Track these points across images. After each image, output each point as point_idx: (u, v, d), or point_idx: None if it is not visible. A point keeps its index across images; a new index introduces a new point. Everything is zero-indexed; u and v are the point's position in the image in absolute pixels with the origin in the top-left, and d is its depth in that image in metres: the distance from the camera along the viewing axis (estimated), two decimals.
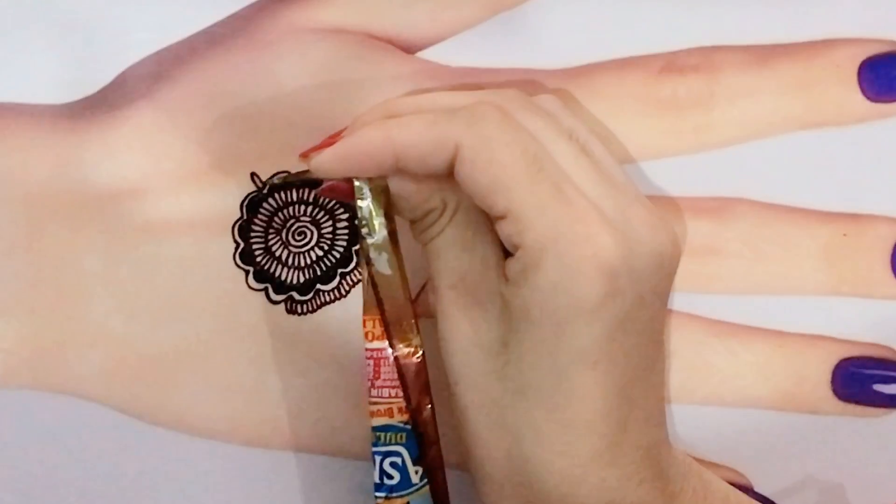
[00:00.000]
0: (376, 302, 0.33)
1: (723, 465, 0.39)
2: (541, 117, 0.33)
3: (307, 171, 0.33)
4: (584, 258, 0.31)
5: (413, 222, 0.34)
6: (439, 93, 0.34)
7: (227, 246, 0.38)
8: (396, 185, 0.33)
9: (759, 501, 0.39)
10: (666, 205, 0.38)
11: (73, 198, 0.37)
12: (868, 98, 0.38)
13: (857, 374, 0.39)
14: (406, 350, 0.34)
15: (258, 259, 0.38)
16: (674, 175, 0.38)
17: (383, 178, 0.33)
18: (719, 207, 0.39)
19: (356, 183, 0.33)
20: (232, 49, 0.38)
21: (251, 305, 0.38)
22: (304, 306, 0.38)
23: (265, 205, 0.38)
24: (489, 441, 0.33)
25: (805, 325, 0.39)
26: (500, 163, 0.31)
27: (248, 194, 0.38)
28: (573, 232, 0.31)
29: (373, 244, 0.33)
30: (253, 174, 0.38)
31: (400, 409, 0.33)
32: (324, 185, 0.34)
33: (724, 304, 0.39)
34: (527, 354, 0.32)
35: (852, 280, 0.39)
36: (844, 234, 0.39)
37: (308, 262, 0.38)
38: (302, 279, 0.38)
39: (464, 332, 0.33)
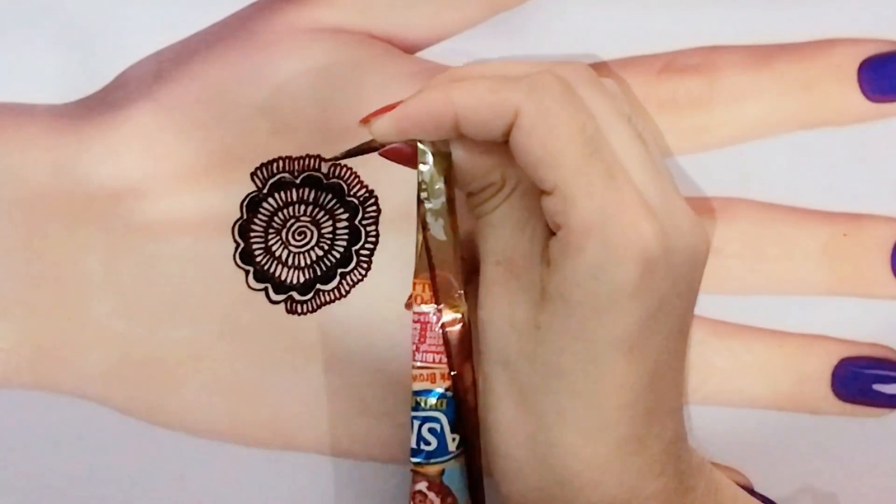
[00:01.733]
0: (428, 266, 0.33)
1: (723, 464, 0.39)
2: (604, 96, 0.32)
3: (366, 143, 0.33)
4: (626, 245, 0.30)
5: (470, 195, 0.34)
6: (506, 61, 0.34)
7: (227, 246, 0.38)
8: (459, 155, 0.33)
9: (761, 502, 0.39)
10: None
11: (74, 198, 0.37)
12: (868, 98, 0.38)
13: (857, 374, 0.39)
14: (452, 317, 0.33)
15: (258, 259, 0.38)
16: (674, 175, 0.38)
17: (446, 144, 0.33)
18: (719, 207, 0.39)
19: (419, 146, 0.33)
20: (232, 49, 0.38)
21: (251, 305, 0.38)
22: (304, 306, 0.38)
23: (265, 205, 0.38)
24: (513, 422, 0.33)
25: (805, 325, 0.39)
26: (555, 136, 0.31)
27: (248, 194, 0.38)
28: (619, 218, 0.31)
29: (430, 209, 0.33)
30: (253, 174, 0.38)
31: (443, 376, 0.33)
32: (386, 147, 0.33)
33: (725, 304, 0.39)
34: (561, 338, 0.31)
35: (852, 280, 0.39)
36: (844, 234, 0.39)
37: (308, 262, 0.38)
38: (302, 279, 0.38)
39: (502, 310, 0.33)
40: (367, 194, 0.38)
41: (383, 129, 0.32)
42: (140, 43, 0.37)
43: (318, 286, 0.38)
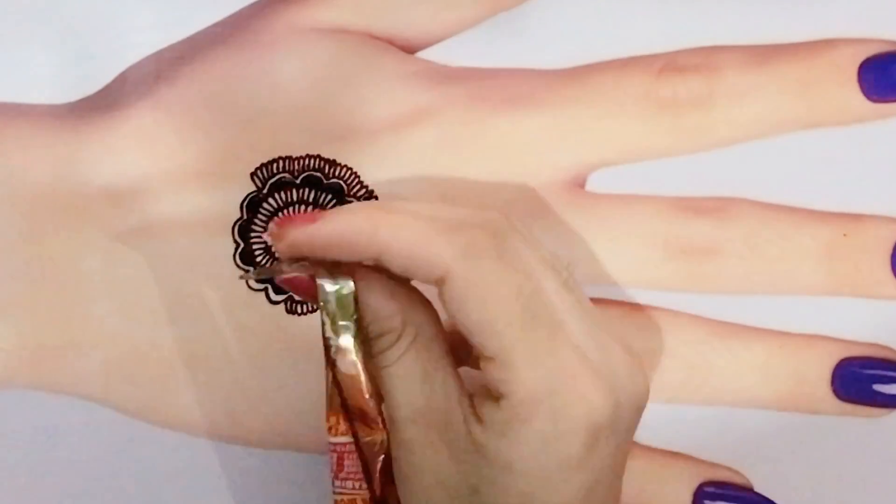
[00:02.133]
0: (340, 400, 0.33)
1: (723, 465, 0.39)
2: (529, 247, 0.32)
3: (272, 268, 0.33)
4: (576, 416, 0.30)
5: (367, 340, 0.33)
6: (434, 203, 0.33)
7: (227, 246, 0.38)
8: (362, 292, 0.32)
9: (760, 502, 0.39)
10: (653, 209, 0.38)
11: (73, 198, 0.37)
12: (868, 98, 0.38)
13: (858, 375, 0.39)
14: (371, 444, 0.33)
15: (258, 259, 0.38)
16: (673, 175, 0.38)
17: (349, 279, 0.32)
18: (719, 207, 0.39)
19: (320, 283, 0.32)
20: (232, 49, 0.38)
21: (251, 306, 0.38)
22: (304, 306, 0.38)
23: (265, 205, 0.38)
24: None
25: (805, 325, 0.39)
26: (492, 304, 0.30)
27: (249, 194, 0.38)
28: (566, 387, 0.30)
29: (336, 346, 0.32)
30: (253, 174, 0.38)
31: (364, 501, 0.33)
32: (285, 277, 0.32)
33: (724, 304, 0.39)
34: (502, 502, 0.31)
35: (852, 280, 0.39)
36: (845, 234, 0.39)
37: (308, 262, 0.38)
38: None
39: (427, 471, 0.32)
40: (366, 195, 0.38)
41: (298, 240, 0.31)
42: (140, 43, 0.37)
43: None
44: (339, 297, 0.32)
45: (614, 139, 0.38)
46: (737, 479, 0.39)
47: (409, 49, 0.38)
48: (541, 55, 0.38)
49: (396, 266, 0.31)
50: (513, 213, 0.35)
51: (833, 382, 0.39)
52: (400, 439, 0.32)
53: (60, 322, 0.37)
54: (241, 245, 0.38)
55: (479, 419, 0.31)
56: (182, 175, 0.37)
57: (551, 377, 0.30)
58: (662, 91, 0.38)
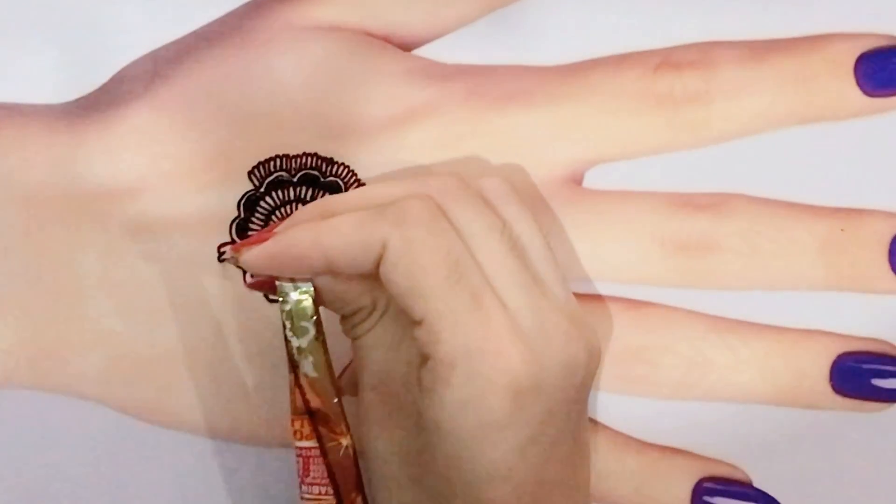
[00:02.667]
0: (303, 403, 0.33)
1: (722, 460, 0.39)
2: (473, 211, 0.33)
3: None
4: (491, 376, 0.31)
5: (343, 318, 0.34)
6: (374, 185, 0.34)
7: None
8: (326, 284, 0.33)
9: (759, 497, 0.39)
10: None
11: (71, 197, 0.37)
12: (865, 92, 0.38)
13: (856, 369, 0.39)
14: (336, 448, 0.33)
15: None
16: (671, 171, 0.38)
17: (309, 280, 0.33)
18: (716, 203, 0.38)
19: (279, 285, 0.33)
20: (228, 47, 0.38)
21: (250, 305, 0.38)
22: None
23: (263, 203, 0.38)
24: None
25: (803, 321, 0.39)
26: (420, 267, 0.31)
27: (246, 193, 0.38)
28: (484, 348, 0.31)
29: (297, 347, 0.33)
30: (250, 173, 0.38)
31: None
32: (251, 281, 0.34)
33: (722, 300, 0.39)
34: (440, 467, 0.32)
35: (850, 275, 0.39)
36: (842, 229, 0.39)
37: None
38: None
39: (382, 438, 0.33)
40: None
41: (253, 262, 0.33)
42: (137, 41, 0.37)
43: None
44: (298, 299, 0.33)
45: (611, 135, 0.38)
46: (736, 475, 0.39)
47: (406, 46, 0.38)
48: (537, 52, 0.38)
49: (343, 261, 0.32)
50: None
51: (831, 377, 0.39)
52: (362, 405, 0.34)
53: (59, 322, 0.37)
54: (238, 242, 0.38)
55: (420, 384, 0.32)
56: (179, 174, 0.38)
57: (470, 338, 0.31)
58: (659, 87, 0.38)
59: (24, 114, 0.37)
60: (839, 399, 0.39)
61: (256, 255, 0.33)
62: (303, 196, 0.38)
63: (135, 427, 0.38)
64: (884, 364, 0.39)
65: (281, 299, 0.33)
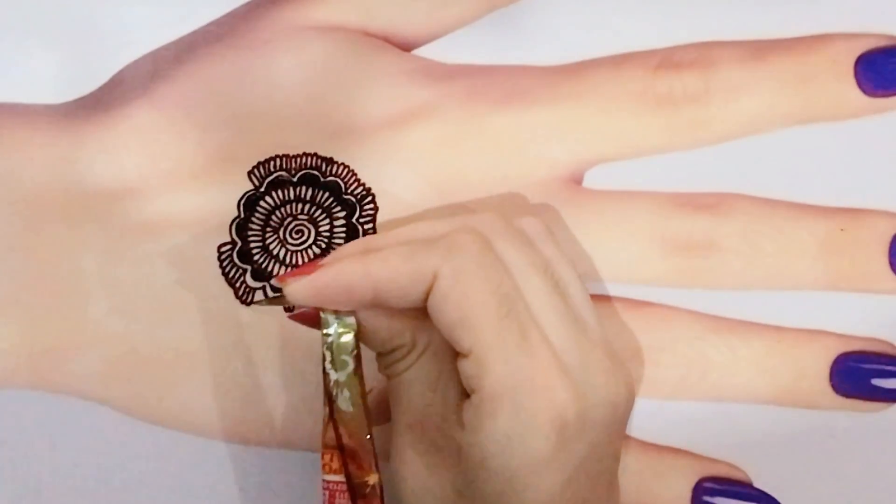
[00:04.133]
0: (335, 437, 0.33)
1: (722, 460, 0.39)
2: (517, 248, 0.33)
3: (282, 297, 0.33)
4: (539, 411, 0.31)
5: (380, 355, 0.34)
6: (419, 223, 0.34)
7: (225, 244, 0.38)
8: (368, 319, 0.33)
9: (759, 497, 0.39)
10: (648, 205, 0.38)
11: (71, 197, 0.37)
12: (865, 93, 0.38)
13: (856, 369, 0.39)
14: (363, 486, 0.33)
15: (256, 258, 0.38)
16: (670, 171, 0.38)
17: (352, 312, 0.33)
18: (716, 203, 0.38)
19: (323, 316, 0.33)
20: (228, 47, 0.38)
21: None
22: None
23: (263, 203, 0.38)
24: None
25: (803, 320, 0.39)
26: (470, 298, 0.31)
27: (246, 192, 0.38)
28: (532, 383, 0.31)
29: (335, 381, 0.33)
30: (250, 172, 0.38)
31: None
32: (295, 312, 0.34)
33: (722, 300, 0.39)
34: None
35: (850, 275, 0.39)
36: (842, 229, 0.39)
37: (306, 260, 0.38)
38: None
39: (418, 476, 0.33)
40: (364, 192, 0.38)
41: (300, 293, 0.33)
42: (137, 41, 0.37)
43: None
44: (340, 332, 0.33)
45: (611, 135, 0.38)
46: (736, 475, 0.39)
47: (406, 47, 0.38)
48: (537, 52, 0.38)
49: (392, 294, 0.32)
50: (510, 210, 0.35)
51: (831, 377, 0.39)
52: (397, 444, 0.33)
53: (59, 322, 0.37)
54: (239, 243, 0.38)
55: (461, 422, 0.32)
56: (179, 173, 0.38)
57: (518, 373, 0.31)
58: (659, 87, 0.38)
59: (24, 114, 0.37)
60: (839, 399, 0.39)
61: (304, 286, 0.32)
62: (303, 196, 0.38)
63: (135, 427, 0.38)
64: (884, 364, 0.39)
65: (323, 331, 0.33)
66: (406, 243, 0.32)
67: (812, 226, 0.39)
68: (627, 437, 0.39)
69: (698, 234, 0.38)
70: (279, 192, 0.38)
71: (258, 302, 0.37)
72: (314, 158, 0.38)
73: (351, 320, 0.33)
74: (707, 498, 0.39)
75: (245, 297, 0.38)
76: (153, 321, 0.38)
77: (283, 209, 0.38)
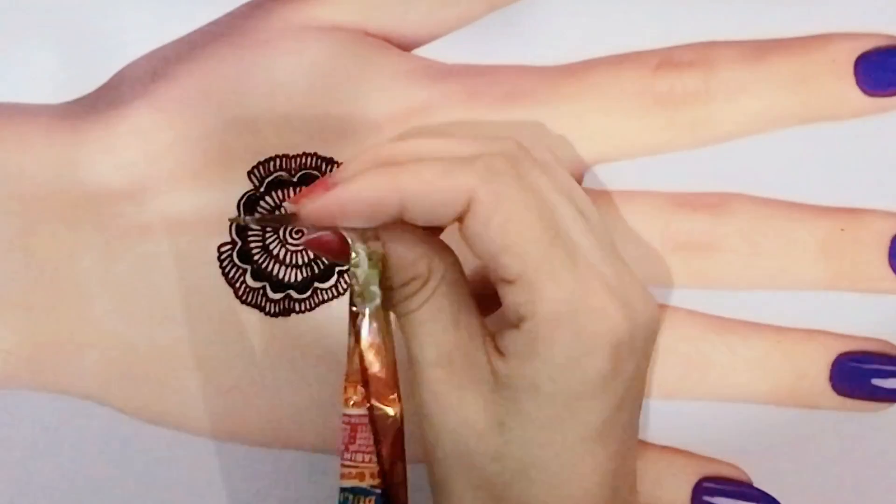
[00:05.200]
0: (360, 370, 0.32)
1: (722, 460, 0.39)
2: (543, 173, 0.32)
3: (285, 217, 0.32)
4: (598, 334, 0.31)
5: (393, 291, 0.32)
6: (446, 139, 0.32)
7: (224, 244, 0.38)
8: (387, 244, 0.32)
9: (759, 497, 0.39)
10: (648, 208, 0.39)
11: (71, 197, 0.37)
12: (865, 92, 0.38)
13: (856, 369, 0.39)
14: (384, 417, 0.33)
15: (256, 257, 0.38)
16: (671, 170, 0.38)
17: (378, 241, 0.31)
18: (717, 203, 0.39)
19: (352, 244, 0.31)
20: (228, 47, 0.38)
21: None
22: (302, 304, 0.38)
23: (262, 203, 0.38)
24: None
25: (803, 320, 0.39)
26: (516, 224, 0.30)
27: (246, 192, 0.38)
28: (587, 305, 0.30)
29: (363, 312, 0.32)
30: (250, 173, 0.38)
31: (372, 474, 0.33)
32: (312, 237, 0.32)
33: (722, 300, 0.39)
34: (534, 433, 0.31)
35: (850, 275, 0.39)
36: (842, 229, 0.39)
37: (306, 260, 0.38)
38: (300, 277, 0.38)
39: (455, 415, 0.32)
40: None
41: (319, 212, 0.31)
42: (137, 42, 0.37)
43: (316, 284, 0.38)
44: (372, 262, 0.32)
45: (611, 135, 0.38)
46: (736, 475, 0.39)
47: (406, 46, 0.38)
48: (537, 52, 0.38)
49: (422, 209, 0.30)
50: None
51: (831, 377, 0.39)
52: (425, 382, 0.32)
53: (58, 322, 0.37)
54: (239, 243, 0.38)
55: (501, 353, 0.31)
56: (179, 173, 0.38)
57: (573, 295, 0.30)
58: (659, 87, 0.38)
59: (25, 114, 0.37)
60: (839, 399, 0.39)
61: (325, 204, 0.31)
62: None
63: (135, 427, 0.38)
64: (884, 364, 0.39)
65: (353, 260, 0.31)
66: (439, 158, 0.31)
67: (812, 226, 0.39)
68: None
69: (698, 233, 0.38)
70: (279, 193, 0.38)
71: (255, 219, 0.36)
72: (314, 158, 0.38)
73: (379, 248, 0.32)
74: (707, 498, 0.39)
75: (245, 297, 0.38)
76: (153, 321, 0.38)
77: (283, 209, 0.38)
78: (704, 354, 0.39)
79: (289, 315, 0.38)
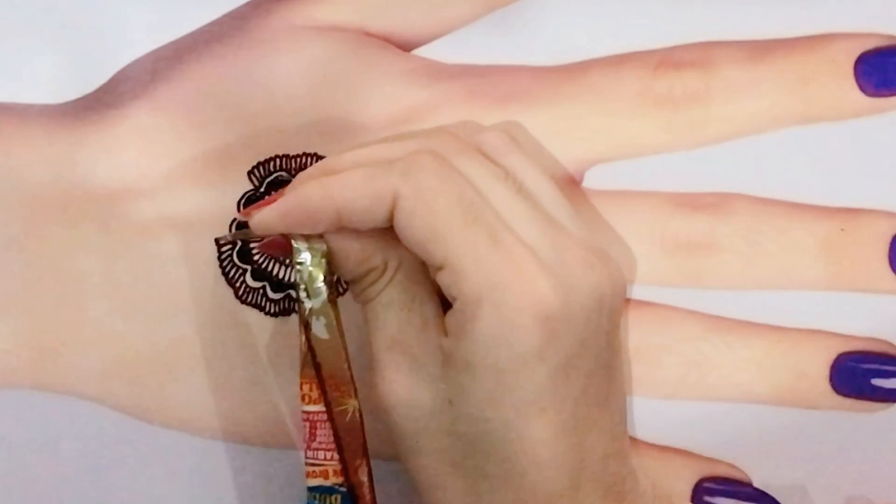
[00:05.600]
0: (313, 366, 0.33)
1: (721, 460, 0.39)
2: (476, 160, 0.33)
3: (248, 230, 0.34)
4: (521, 307, 0.31)
5: (352, 282, 0.34)
6: (376, 145, 0.34)
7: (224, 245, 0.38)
8: (338, 243, 0.33)
9: (759, 497, 0.39)
10: (647, 208, 0.39)
11: (71, 197, 0.37)
12: (864, 92, 0.38)
13: (856, 369, 0.39)
14: (343, 413, 0.33)
15: (256, 257, 0.38)
16: (670, 171, 0.38)
17: (322, 239, 0.33)
18: (716, 203, 0.39)
19: (294, 244, 0.33)
20: (228, 48, 0.38)
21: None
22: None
23: None
24: (447, 494, 0.33)
25: (803, 320, 0.39)
26: (435, 212, 0.32)
27: (245, 192, 0.38)
28: (509, 281, 0.31)
29: (310, 308, 0.33)
30: (250, 173, 0.38)
31: (335, 472, 0.34)
32: (263, 241, 0.35)
33: (722, 300, 0.39)
34: (473, 408, 0.32)
35: (850, 275, 0.39)
36: (842, 229, 0.39)
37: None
38: None
39: (405, 396, 0.33)
40: None
41: (265, 222, 0.33)
42: (136, 42, 0.37)
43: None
44: (314, 259, 0.33)
45: (611, 135, 0.38)
46: (736, 475, 0.39)
47: (406, 46, 0.38)
48: (537, 52, 0.38)
49: (355, 215, 0.32)
50: None
51: (831, 377, 0.39)
52: (378, 366, 0.34)
53: (58, 322, 0.37)
54: (239, 244, 0.38)
55: (445, 331, 0.33)
56: (179, 174, 0.38)
57: (494, 273, 0.31)
58: (659, 87, 0.38)
59: (25, 114, 0.37)
60: (839, 399, 0.39)
61: (268, 213, 0.33)
62: None
63: (135, 427, 0.38)
64: (884, 364, 0.39)
65: (295, 259, 0.33)
66: (365, 165, 0.33)
67: (812, 226, 0.39)
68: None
69: (698, 234, 0.38)
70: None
71: (225, 237, 0.37)
72: (314, 158, 0.38)
73: (321, 246, 0.33)
74: (707, 498, 0.39)
75: (245, 297, 0.38)
76: (153, 321, 0.38)
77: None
78: (704, 355, 0.39)
79: (289, 315, 0.38)
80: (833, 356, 0.39)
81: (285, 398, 0.38)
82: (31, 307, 0.37)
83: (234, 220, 0.38)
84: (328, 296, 0.33)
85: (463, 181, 0.32)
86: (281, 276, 0.38)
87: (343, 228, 0.33)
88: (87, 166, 0.37)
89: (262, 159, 0.38)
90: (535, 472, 0.32)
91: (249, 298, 0.38)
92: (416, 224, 0.32)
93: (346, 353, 0.34)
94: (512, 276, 0.31)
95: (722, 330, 0.39)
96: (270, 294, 0.38)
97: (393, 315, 0.34)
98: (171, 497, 0.38)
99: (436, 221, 0.32)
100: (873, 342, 0.39)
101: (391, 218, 0.32)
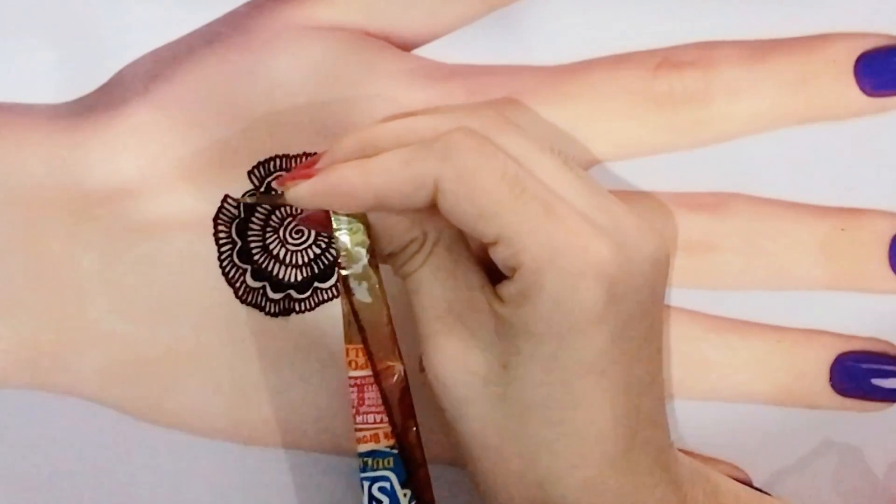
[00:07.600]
0: (358, 331, 0.34)
1: (722, 459, 0.39)
2: (519, 135, 0.33)
3: (280, 196, 0.33)
4: (582, 270, 0.31)
5: (391, 255, 0.34)
6: (415, 118, 0.34)
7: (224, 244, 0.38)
8: (376, 219, 0.33)
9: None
10: (656, 205, 0.39)
11: (71, 197, 0.37)
12: (865, 92, 0.38)
13: (856, 369, 0.39)
14: (389, 375, 0.34)
15: (256, 257, 0.38)
16: (671, 171, 0.38)
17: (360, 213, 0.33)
18: (717, 203, 0.39)
19: (333, 217, 0.33)
20: (229, 48, 0.38)
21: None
22: (302, 304, 0.38)
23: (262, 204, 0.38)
24: (497, 466, 0.33)
25: (803, 320, 0.39)
26: (481, 191, 0.31)
27: (246, 193, 0.38)
28: (568, 245, 0.31)
29: (351, 274, 0.34)
30: (250, 173, 0.38)
31: (386, 435, 0.34)
32: (302, 215, 0.34)
33: (722, 300, 0.39)
34: (533, 372, 0.32)
35: (850, 275, 0.39)
36: (842, 229, 0.39)
37: (306, 259, 0.38)
38: (300, 277, 0.38)
39: (458, 363, 0.33)
40: None
41: (303, 199, 0.33)
42: (137, 42, 0.37)
43: (316, 284, 0.38)
44: (352, 226, 0.33)
45: (611, 135, 0.38)
46: (736, 475, 0.39)
47: (406, 46, 0.38)
48: (537, 52, 0.38)
49: (395, 200, 0.32)
50: None
51: (831, 377, 0.39)
52: (428, 336, 0.33)
53: (58, 322, 0.37)
54: (239, 243, 0.38)
55: (500, 299, 0.32)
56: (179, 174, 0.38)
57: (552, 240, 0.31)
58: (659, 87, 0.38)
59: (24, 114, 0.37)
60: (839, 398, 0.39)
61: (306, 191, 0.33)
62: None
63: (135, 427, 0.38)
64: (884, 364, 0.39)
65: (335, 230, 0.33)
66: (400, 142, 0.33)
67: (812, 226, 0.39)
68: None
69: (698, 233, 0.38)
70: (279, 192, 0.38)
71: (252, 197, 0.37)
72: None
73: (362, 215, 0.33)
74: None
75: (245, 297, 0.38)
76: (153, 321, 0.38)
77: (282, 209, 0.38)
78: (704, 354, 0.39)
79: (289, 315, 0.38)
80: (833, 356, 0.39)
81: (285, 398, 0.38)
82: (30, 307, 0.37)
83: (235, 219, 0.38)
84: (368, 260, 0.33)
85: (504, 156, 0.32)
86: (281, 276, 0.38)
87: (382, 209, 0.33)
88: (87, 166, 0.37)
89: (262, 159, 0.38)
90: (592, 434, 0.32)
91: (249, 298, 0.38)
92: (463, 206, 0.31)
93: (390, 316, 0.34)
94: (570, 241, 0.31)
95: (722, 330, 0.39)
96: (270, 294, 0.38)
97: (439, 284, 0.33)
98: (172, 497, 0.39)
99: (482, 200, 0.31)
100: (873, 342, 0.39)
101: (433, 201, 0.32)
